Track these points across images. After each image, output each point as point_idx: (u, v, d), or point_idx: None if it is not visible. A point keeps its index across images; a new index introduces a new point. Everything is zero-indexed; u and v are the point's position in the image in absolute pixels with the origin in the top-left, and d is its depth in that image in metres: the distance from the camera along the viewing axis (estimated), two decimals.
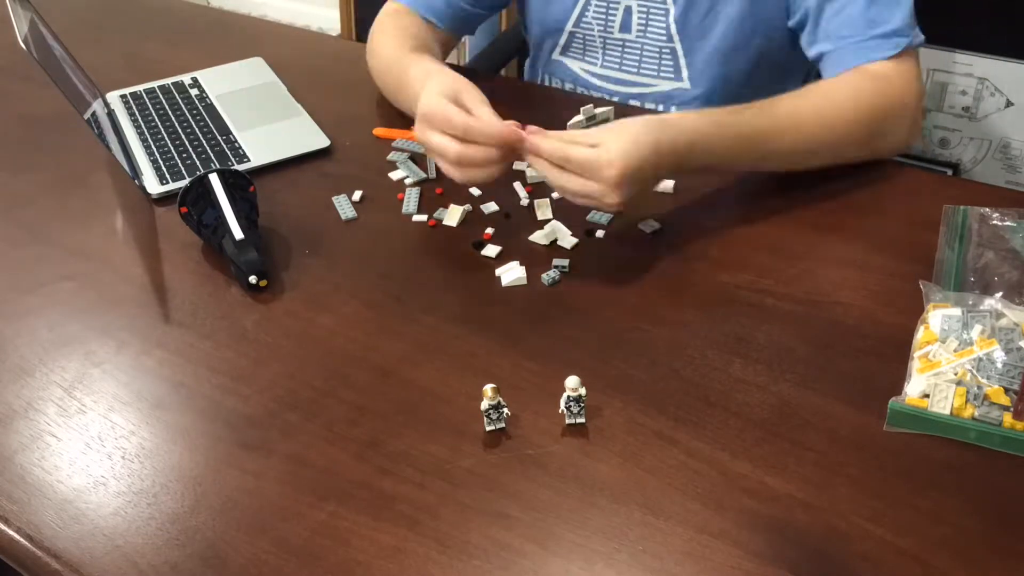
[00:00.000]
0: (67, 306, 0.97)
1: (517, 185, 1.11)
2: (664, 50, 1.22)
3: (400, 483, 0.77)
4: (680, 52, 1.22)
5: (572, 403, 0.80)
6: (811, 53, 1.14)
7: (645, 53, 1.24)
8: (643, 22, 1.22)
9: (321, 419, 0.83)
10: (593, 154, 0.91)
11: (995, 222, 0.99)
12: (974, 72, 1.57)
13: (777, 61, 1.22)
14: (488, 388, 0.79)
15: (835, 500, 0.74)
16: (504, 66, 1.69)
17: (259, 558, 0.72)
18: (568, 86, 1.34)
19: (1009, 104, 1.57)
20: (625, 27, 1.23)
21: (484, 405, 0.80)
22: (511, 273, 0.97)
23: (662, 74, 1.25)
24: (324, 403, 0.85)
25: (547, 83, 1.38)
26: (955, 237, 0.98)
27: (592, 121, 1.00)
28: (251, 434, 0.82)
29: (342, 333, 0.92)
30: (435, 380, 0.87)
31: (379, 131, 1.22)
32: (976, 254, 0.95)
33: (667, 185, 1.08)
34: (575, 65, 1.32)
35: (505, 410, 0.81)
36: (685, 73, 1.23)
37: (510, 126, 0.94)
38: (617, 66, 1.28)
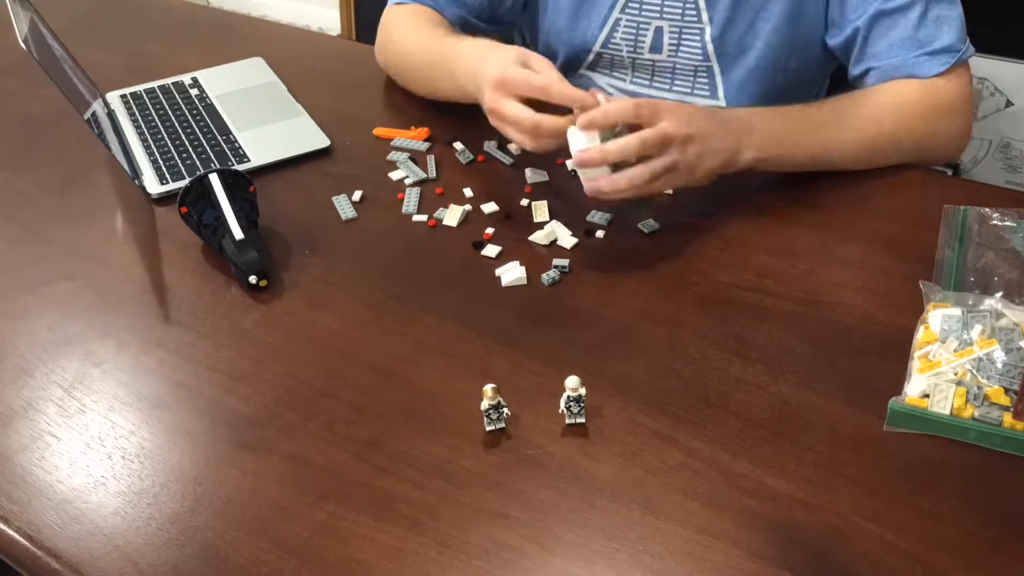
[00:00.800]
0: (67, 306, 0.97)
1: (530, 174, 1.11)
2: (700, 69, 1.21)
3: (400, 483, 0.77)
4: (717, 70, 1.21)
5: (572, 403, 0.80)
6: (856, 70, 1.14)
7: (677, 71, 1.23)
8: (675, 42, 1.20)
9: (321, 419, 0.83)
10: (662, 124, 0.94)
11: (995, 222, 0.99)
12: (974, 72, 1.57)
13: (807, 77, 1.21)
14: (488, 388, 0.79)
15: (835, 500, 0.74)
16: None
17: (259, 558, 0.72)
18: None
19: (1009, 104, 1.57)
20: (656, 48, 1.21)
21: (484, 405, 0.80)
22: (511, 273, 0.97)
23: (696, 91, 1.24)
24: (324, 403, 0.85)
25: None
26: (955, 237, 0.98)
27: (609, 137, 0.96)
28: (251, 434, 0.82)
29: (342, 333, 0.92)
30: (435, 380, 0.87)
31: (379, 131, 1.22)
32: (976, 254, 0.95)
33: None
34: (602, 80, 1.30)
35: (505, 410, 0.81)
36: (721, 92, 1.23)
37: (591, 91, 0.96)
38: (647, 83, 1.26)
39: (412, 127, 1.22)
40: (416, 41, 1.21)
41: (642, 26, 1.21)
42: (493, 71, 0.99)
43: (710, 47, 1.19)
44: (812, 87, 1.28)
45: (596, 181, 0.95)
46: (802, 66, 1.20)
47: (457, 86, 1.11)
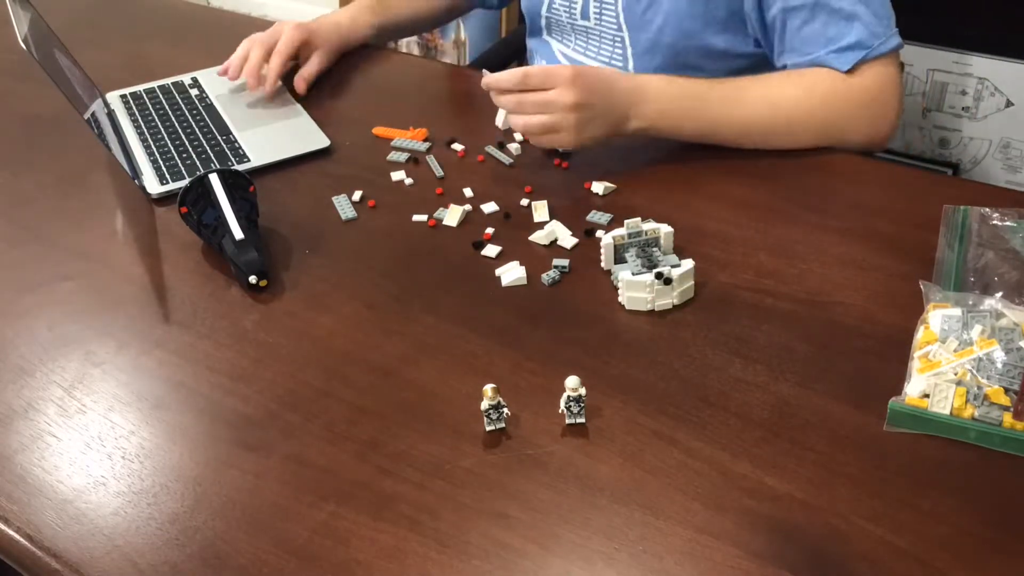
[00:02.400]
0: (67, 306, 0.97)
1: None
2: (616, 38, 1.27)
3: (400, 483, 0.77)
4: (627, 41, 1.26)
5: (572, 403, 0.80)
6: (779, 64, 1.18)
7: (603, 39, 1.29)
8: (598, 10, 1.26)
9: (321, 419, 0.83)
10: (549, 67, 1.05)
11: (995, 222, 0.99)
12: (974, 72, 1.57)
13: (722, 62, 1.23)
14: (488, 388, 0.79)
15: (835, 500, 0.74)
16: (506, 67, 1.69)
17: (259, 558, 0.72)
18: (542, 63, 1.39)
19: (1009, 104, 1.57)
20: (584, 14, 1.28)
21: (484, 405, 0.80)
22: (511, 273, 0.97)
23: (613, 61, 1.29)
24: (324, 403, 0.85)
25: (532, 60, 1.45)
26: (955, 237, 0.98)
27: (637, 237, 0.96)
28: (251, 434, 0.82)
29: (342, 333, 0.92)
30: (435, 380, 0.87)
31: (378, 130, 1.22)
32: (976, 254, 0.95)
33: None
34: (556, 46, 1.38)
35: (505, 410, 0.81)
36: (631, 63, 1.27)
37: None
38: (583, 50, 1.33)
39: (411, 127, 1.22)
40: None
41: None
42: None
43: (621, 17, 1.24)
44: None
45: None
46: (708, 50, 1.22)
47: None
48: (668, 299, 0.93)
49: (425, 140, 1.20)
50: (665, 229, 0.97)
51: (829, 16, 1.10)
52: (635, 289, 0.92)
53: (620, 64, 1.28)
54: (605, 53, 1.29)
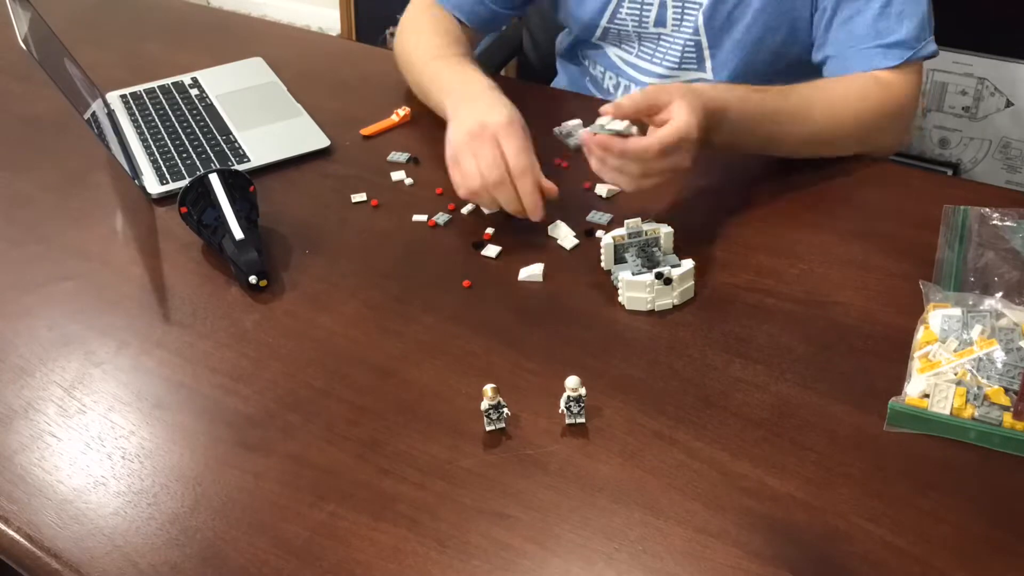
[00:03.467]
0: (67, 306, 0.97)
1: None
2: (689, 42, 1.23)
3: (400, 483, 0.77)
4: (704, 43, 1.22)
5: (572, 403, 0.80)
6: (817, 57, 1.16)
7: (674, 43, 1.25)
8: (678, 16, 1.22)
9: (321, 419, 0.83)
10: (676, 127, 0.94)
11: (995, 222, 0.99)
12: (974, 72, 1.57)
13: (801, 60, 1.22)
14: (488, 388, 0.79)
15: (835, 500, 0.74)
16: (504, 66, 1.69)
17: (259, 558, 0.72)
18: (600, 69, 1.35)
19: (1009, 104, 1.57)
20: (660, 22, 1.23)
21: (484, 405, 0.80)
22: (529, 268, 0.97)
23: (684, 65, 1.25)
24: (324, 403, 0.85)
25: (584, 63, 1.39)
26: (955, 237, 0.98)
27: (637, 237, 0.96)
28: (251, 434, 0.82)
29: (342, 333, 0.92)
30: (435, 380, 0.87)
31: (366, 130, 1.23)
32: (976, 254, 0.95)
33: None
34: (612, 51, 1.33)
35: (505, 410, 0.81)
36: (708, 64, 1.24)
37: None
38: (649, 56, 1.28)
39: (395, 112, 1.23)
40: (421, 49, 1.23)
41: (646, 3, 1.23)
42: (503, 114, 1.02)
43: (700, 19, 1.21)
44: (805, 75, 1.29)
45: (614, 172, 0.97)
46: (792, 46, 1.20)
47: (439, 101, 1.14)
48: (668, 299, 0.93)
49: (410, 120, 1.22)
50: (665, 229, 0.97)
51: (882, 10, 1.09)
52: (635, 289, 0.92)
53: (693, 66, 1.25)
54: (672, 57, 1.25)
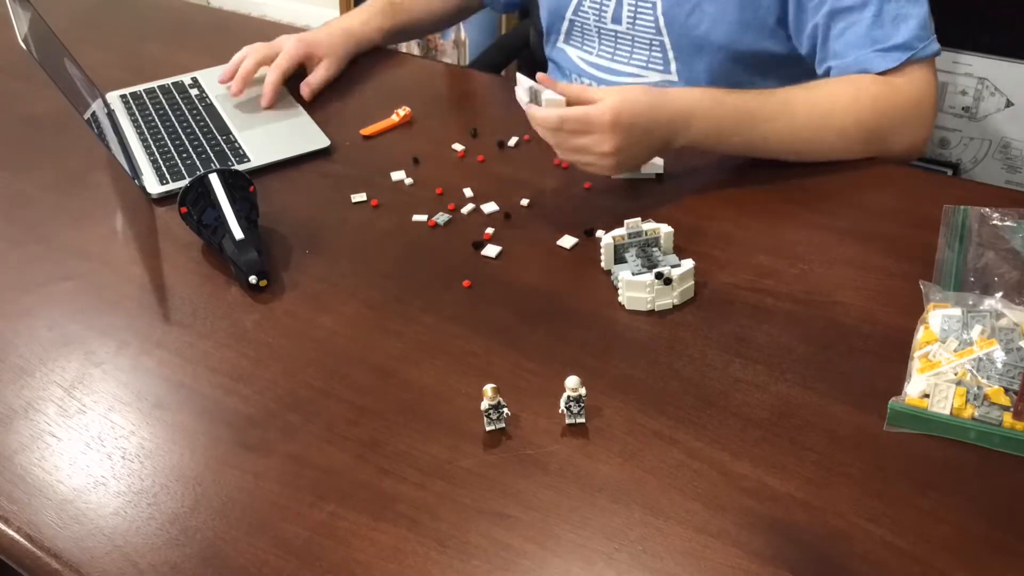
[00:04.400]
0: (67, 306, 0.97)
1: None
2: (654, 42, 1.24)
3: (400, 483, 0.77)
4: (668, 45, 1.23)
5: (572, 403, 0.80)
6: (820, 70, 1.16)
7: (636, 44, 1.26)
8: (632, 14, 1.24)
9: (321, 419, 0.83)
10: (588, 108, 0.99)
11: (995, 222, 0.99)
12: (974, 72, 1.57)
13: (769, 67, 1.22)
14: (488, 388, 0.79)
15: (835, 500, 0.74)
16: (505, 67, 1.70)
17: (259, 558, 0.72)
18: (567, 73, 1.37)
19: (1009, 104, 1.57)
20: (616, 18, 1.25)
21: (484, 405, 0.80)
22: (567, 239, 1.01)
23: (651, 65, 1.26)
24: (324, 403, 0.85)
25: (548, 69, 1.42)
26: (955, 237, 0.98)
27: (637, 237, 0.97)
28: (251, 434, 0.82)
29: (342, 333, 0.92)
30: (435, 380, 0.87)
31: (367, 130, 1.23)
32: (976, 254, 0.95)
33: (657, 163, 1.09)
34: (574, 53, 1.34)
35: (505, 410, 0.81)
36: (673, 66, 1.25)
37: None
38: (610, 55, 1.30)
39: (395, 112, 1.23)
40: None
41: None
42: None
43: (661, 21, 1.22)
44: (779, 83, 1.29)
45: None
46: (755, 56, 1.21)
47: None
48: (668, 299, 0.93)
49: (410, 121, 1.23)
50: (665, 229, 0.97)
51: (875, 19, 1.09)
52: (635, 289, 0.92)
53: (659, 67, 1.25)
54: (640, 58, 1.26)
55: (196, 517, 0.75)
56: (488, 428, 0.81)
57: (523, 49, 1.67)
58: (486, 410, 0.80)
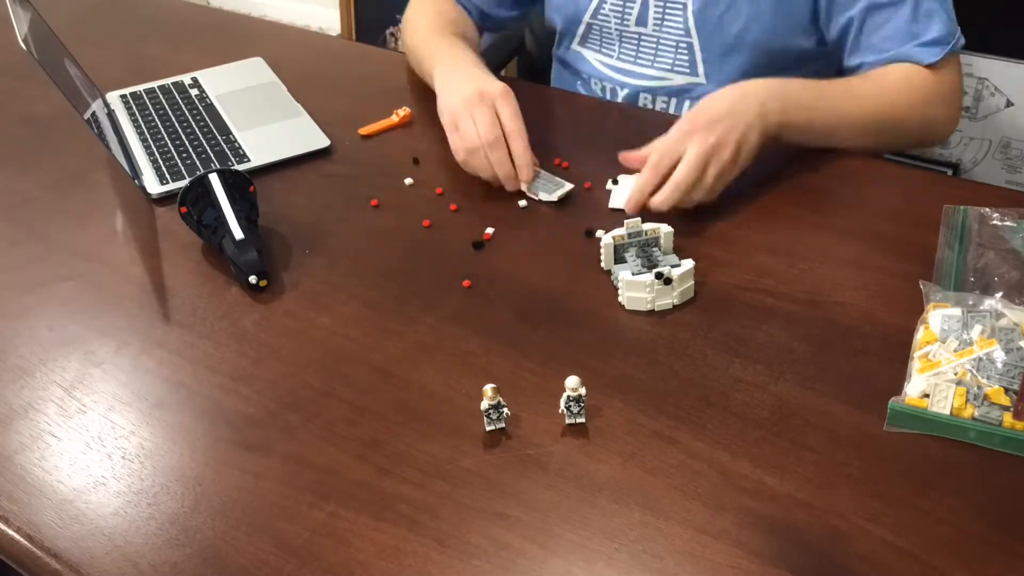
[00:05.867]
0: (67, 306, 0.97)
1: None
2: (680, 44, 1.23)
3: (400, 483, 0.77)
4: (697, 47, 1.22)
5: (572, 403, 0.80)
6: (849, 62, 1.17)
7: (661, 46, 1.25)
8: (659, 16, 1.23)
9: (321, 419, 0.83)
10: (663, 138, 1.01)
11: (995, 222, 0.99)
12: (974, 72, 1.57)
13: (796, 64, 1.22)
14: (488, 388, 0.79)
15: (835, 500, 0.74)
16: (504, 66, 1.70)
17: (259, 558, 0.72)
18: (584, 76, 1.36)
19: (1009, 104, 1.57)
20: (641, 20, 1.24)
21: (484, 405, 0.80)
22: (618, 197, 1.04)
23: (676, 68, 1.25)
24: (324, 403, 0.85)
25: (554, 72, 1.42)
26: (955, 237, 0.98)
27: (637, 237, 0.97)
28: (251, 434, 0.82)
29: (342, 333, 0.92)
30: (435, 380, 0.87)
31: (365, 130, 1.23)
32: (976, 254, 0.95)
33: (566, 186, 1.09)
34: (592, 56, 1.33)
35: (505, 410, 0.81)
36: (701, 68, 1.24)
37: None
38: (632, 58, 1.28)
39: (395, 112, 1.23)
40: (423, 29, 1.29)
41: (629, 1, 1.24)
42: (497, 85, 1.09)
43: (691, 22, 1.21)
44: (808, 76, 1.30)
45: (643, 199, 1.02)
46: (788, 52, 1.21)
47: (428, 71, 1.22)
48: (668, 299, 0.93)
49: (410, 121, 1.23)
50: (665, 229, 0.97)
51: (913, 13, 1.11)
52: (635, 289, 0.92)
53: (686, 70, 1.25)
54: (664, 60, 1.26)
55: (196, 517, 0.75)
56: (488, 428, 0.81)
57: (519, 50, 1.67)
58: (486, 410, 0.80)
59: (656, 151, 1.01)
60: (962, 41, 1.13)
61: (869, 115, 1.11)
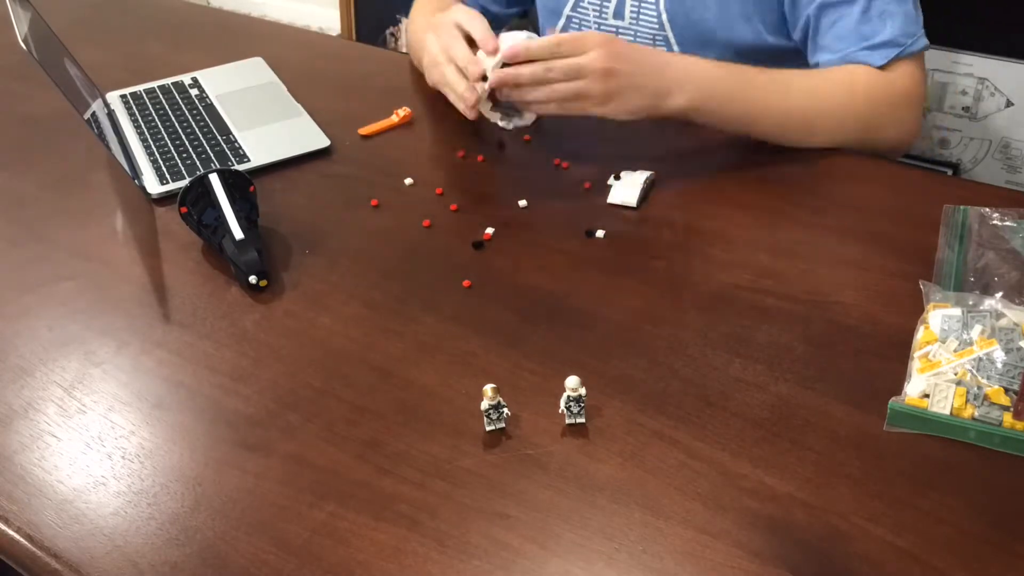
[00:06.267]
0: (67, 306, 0.97)
1: None
2: (657, 37, 1.24)
3: (400, 483, 0.77)
4: (672, 40, 1.24)
5: (572, 403, 0.80)
6: (812, 61, 1.18)
7: (638, 40, 1.26)
8: (635, 10, 1.24)
9: (321, 419, 0.83)
10: (579, 58, 1.01)
11: (995, 222, 0.99)
12: (974, 72, 1.57)
13: (771, 60, 1.22)
14: (488, 388, 0.79)
15: (835, 500, 0.74)
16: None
17: (259, 558, 0.72)
18: None
19: (1009, 104, 1.57)
20: (618, 14, 1.25)
21: (484, 405, 0.80)
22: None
23: None
24: (324, 403, 0.85)
25: None
26: (955, 237, 0.98)
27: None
28: (251, 434, 0.82)
29: (342, 333, 0.92)
30: (435, 380, 0.87)
31: (365, 129, 1.23)
32: (976, 254, 0.95)
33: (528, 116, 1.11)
34: None
35: (505, 410, 0.81)
36: None
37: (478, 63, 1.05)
38: None
39: (395, 112, 1.23)
40: (418, 35, 1.28)
41: None
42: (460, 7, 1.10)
43: (664, 16, 1.22)
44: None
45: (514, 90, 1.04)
46: (758, 50, 1.21)
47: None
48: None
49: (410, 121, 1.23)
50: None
51: (863, 13, 1.10)
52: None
53: None
54: None
55: (196, 517, 0.75)
56: (488, 428, 0.81)
57: None
58: (486, 410, 0.80)
59: (557, 63, 1.01)
60: (919, 45, 1.11)
61: (795, 109, 1.09)
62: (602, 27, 1.28)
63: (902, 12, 1.11)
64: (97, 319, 0.96)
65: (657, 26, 1.23)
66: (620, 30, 1.27)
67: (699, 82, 1.06)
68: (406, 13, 1.41)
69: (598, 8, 1.27)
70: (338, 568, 0.71)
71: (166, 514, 0.76)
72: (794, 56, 1.21)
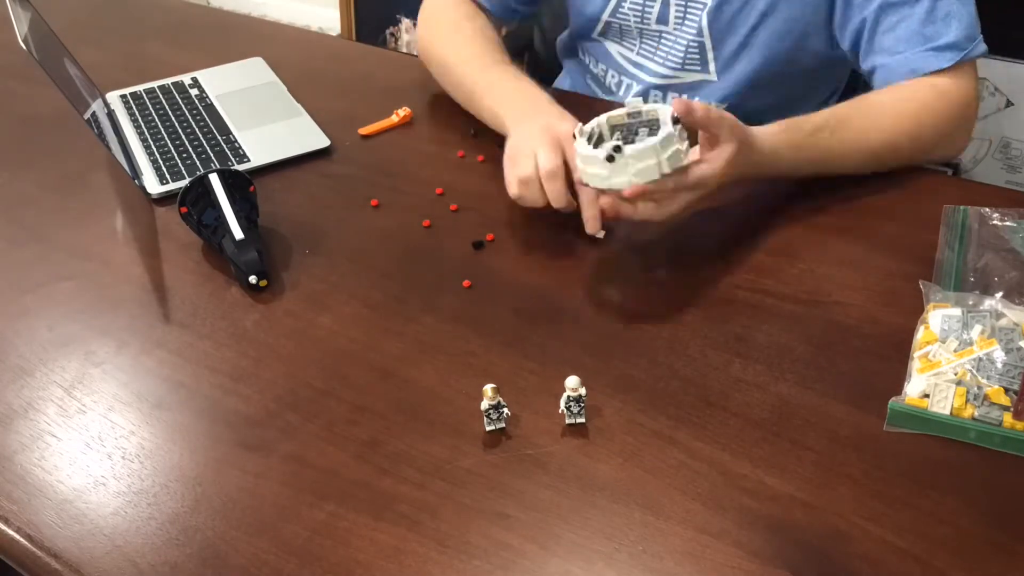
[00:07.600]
0: (67, 306, 0.97)
1: None
2: (692, 44, 1.22)
3: (400, 483, 0.77)
4: (708, 45, 1.22)
5: (572, 403, 0.80)
6: (864, 66, 1.14)
7: (677, 42, 1.24)
8: (680, 14, 1.21)
9: (321, 419, 0.83)
10: (703, 168, 0.93)
11: (995, 222, 0.99)
12: None
13: (809, 67, 1.22)
14: (488, 388, 0.79)
15: (835, 500, 0.74)
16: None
17: (259, 558, 0.72)
18: (601, 67, 1.35)
19: (1009, 104, 1.57)
20: (662, 19, 1.22)
21: (484, 405, 0.80)
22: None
23: (687, 67, 1.25)
24: (324, 403, 0.85)
25: (584, 60, 1.39)
26: (955, 237, 0.98)
27: (636, 118, 0.90)
28: (251, 434, 0.82)
29: (342, 333, 0.92)
30: (435, 380, 0.87)
31: (365, 129, 1.23)
32: (976, 254, 0.95)
33: None
34: (613, 48, 1.32)
35: (505, 410, 0.81)
36: (712, 66, 1.23)
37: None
38: (651, 54, 1.27)
39: (395, 112, 1.23)
40: (458, 59, 1.22)
41: (648, 1, 1.22)
42: (547, 158, 0.99)
43: (704, 20, 1.20)
44: (827, 80, 1.28)
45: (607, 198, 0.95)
46: (801, 52, 1.19)
47: (481, 116, 1.16)
48: (624, 177, 0.86)
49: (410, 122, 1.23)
50: (664, 108, 0.89)
51: (928, 14, 1.07)
52: (590, 164, 0.88)
53: (697, 67, 1.24)
54: (675, 57, 1.24)
55: (196, 517, 0.75)
56: (488, 428, 0.81)
57: (527, 50, 1.66)
58: (486, 410, 0.80)
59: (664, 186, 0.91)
60: (980, 49, 1.08)
61: (862, 163, 1.07)
62: (644, 33, 1.25)
63: (967, 13, 1.08)
64: (97, 319, 0.96)
65: (695, 31, 1.21)
66: (663, 34, 1.24)
67: (780, 169, 1.02)
68: (406, 13, 1.40)
69: (640, 13, 1.23)
70: (338, 568, 0.71)
71: (166, 514, 0.76)
72: (831, 61, 1.20)
